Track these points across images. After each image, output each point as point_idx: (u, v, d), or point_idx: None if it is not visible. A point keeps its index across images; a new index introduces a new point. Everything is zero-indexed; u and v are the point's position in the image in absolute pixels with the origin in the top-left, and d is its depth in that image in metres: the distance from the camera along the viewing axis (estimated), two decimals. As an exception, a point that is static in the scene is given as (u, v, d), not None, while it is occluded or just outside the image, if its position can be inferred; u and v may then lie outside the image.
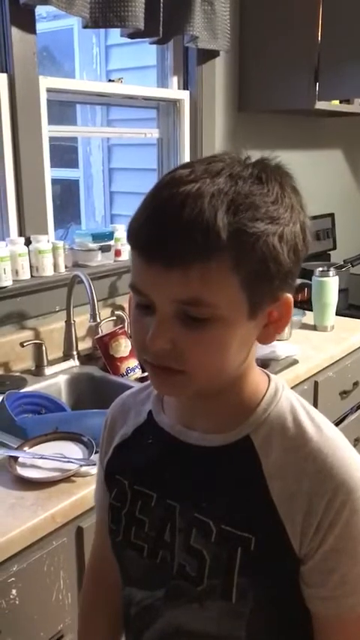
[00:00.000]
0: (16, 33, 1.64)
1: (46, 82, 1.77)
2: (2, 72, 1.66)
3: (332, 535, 0.65)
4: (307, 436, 0.68)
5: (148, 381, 0.84)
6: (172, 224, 0.59)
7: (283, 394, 0.72)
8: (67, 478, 1.18)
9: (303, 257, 0.66)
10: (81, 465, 1.20)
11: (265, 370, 0.75)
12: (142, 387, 0.85)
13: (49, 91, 1.80)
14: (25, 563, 1.07)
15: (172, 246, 0.59)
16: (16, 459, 1.24)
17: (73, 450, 1.28)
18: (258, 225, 0.60)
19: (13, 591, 1.05)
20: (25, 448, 1.28)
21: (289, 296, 0.66)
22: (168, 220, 0.59)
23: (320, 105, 2.35)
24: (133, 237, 0.63)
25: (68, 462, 1.22)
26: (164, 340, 0.62)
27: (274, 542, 0.66)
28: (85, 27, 1.75)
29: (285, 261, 0.62)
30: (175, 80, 2.28)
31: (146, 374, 1.73)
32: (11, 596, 1.05)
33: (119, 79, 2.12)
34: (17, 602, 1.06)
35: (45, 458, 1.23)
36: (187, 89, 2.28)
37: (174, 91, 2.27)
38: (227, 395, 0.70)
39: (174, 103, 2.27)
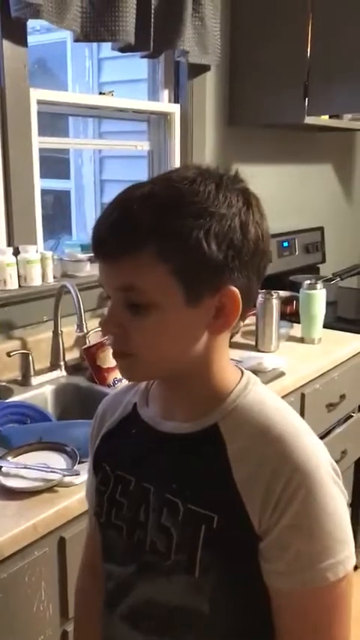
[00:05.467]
0: (7, 46, 1.65)
1: (36, 94, 1.79)
2: (-7, 83, 1.67)
3: (289, 512, 0.69)
4: (271, 423, 0.74)
5: None
6: (108, 226, 0.70)
7: (253, 388, 0.78)
8: (50, 488, 1.18)
9: (247, 252, 0.71)
10: (64, 475, 1.20)
11: (239, 366, 0.82)
12: (132, 384, 0.92)
13: (39, 102, 1.81)
14: (5, 573, 1.06)
15: (108, 244, 0.70)
16: (-1, 468, 1.23)
17: (56, 460, 1.28)
18: (181, 221, 0.67)
19: (-6, 602, 1.05)
20: (9, 458, 1.28)
21: (234, 289, 0.71)
22: (105, 222, 0.70)
23: (309, 120, 2.38)
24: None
25: (52, 472, 1.21)
26: (113, 325, 0.72)
27: (235, 520, 0.72)
28: (76, 41, 1.76)
29: (214, 254, 0.68)
30: (165, 93, 2.30)
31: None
32: (-9, 607, 1.04)
33: (110, 92, 2.13)
34: (-3, 613, 1.06)
35: (28, 468, 1.23)
36: (178, 102, 2.30)
37: (164, 104, 2.29)
38: (197, 386, 0.77)
39: (165, 116, 2.29)
